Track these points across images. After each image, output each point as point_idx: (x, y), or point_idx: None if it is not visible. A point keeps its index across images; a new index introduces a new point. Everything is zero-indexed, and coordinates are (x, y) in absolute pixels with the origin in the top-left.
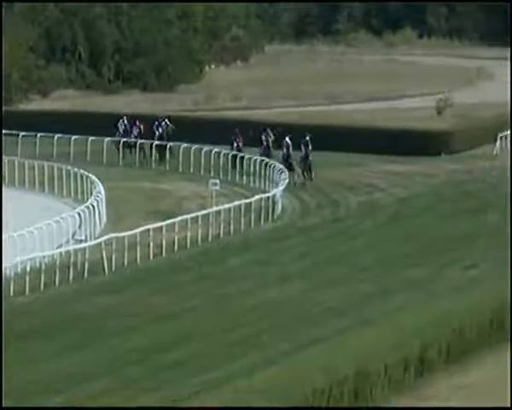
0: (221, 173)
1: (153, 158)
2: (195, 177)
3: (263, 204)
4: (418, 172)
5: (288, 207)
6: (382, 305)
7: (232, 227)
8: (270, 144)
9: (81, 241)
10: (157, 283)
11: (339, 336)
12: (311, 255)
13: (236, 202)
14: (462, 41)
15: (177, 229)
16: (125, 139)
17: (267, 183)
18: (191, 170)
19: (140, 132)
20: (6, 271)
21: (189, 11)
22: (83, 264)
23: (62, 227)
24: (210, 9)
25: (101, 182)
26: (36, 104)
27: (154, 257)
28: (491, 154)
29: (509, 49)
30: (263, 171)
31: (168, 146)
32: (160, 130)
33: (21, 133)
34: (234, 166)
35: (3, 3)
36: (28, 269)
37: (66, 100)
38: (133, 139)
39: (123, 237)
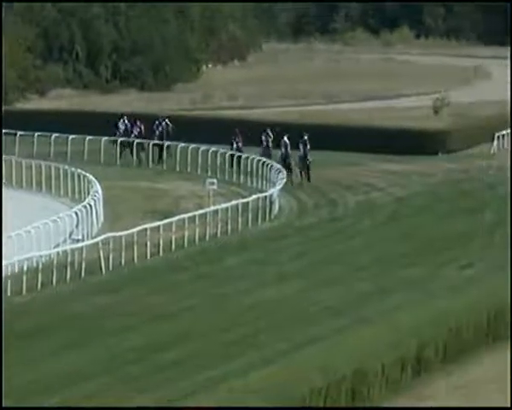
0: (218, 173)
1: (150, 157)
2: (193, 176)
3: (260, 204)
4: (415, 171)
5: (285, 206)
6: (380, 304)
7: (229, 227)
8: (270, 144)
9: (78, 240)
10: (154, 282)
11: (336, 336)
12: (308, 255)
13: (234, 202)
14: (459, 41)
15: (174, 228)
16: (124, 139)
17: (264, 182)
18: (188, 169)
19: (140, 132)
20: (3, 270)
21: (186, 10)
22: (80, 263)
23: (59, 227)
24: (207, 9)
25: (99, 181)
26: (33, 103)
27: (151, 256)
28: (488, 153)
29: (505, 48)
30: (260, 170)
31: (165, 145)
32: (160, 129)
33: (19, 132)
34: (231, 165)
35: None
36: (25, 268)
37: (63, 99)
38: (134, 139)
39: (120, 237)
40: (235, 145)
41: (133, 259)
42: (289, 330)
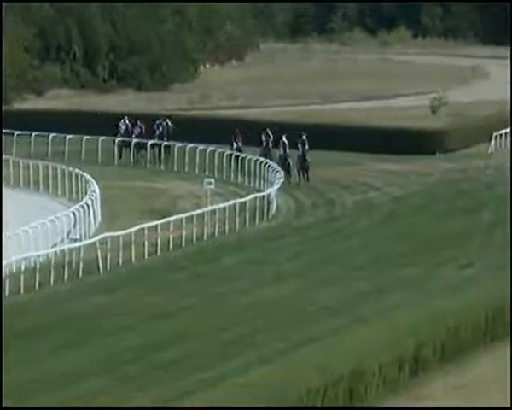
0: (216, 173)
1: (148, 157)
2: (190, 176)
3: (258, 203)
4: (413, 171)
5: (283, 206)
6: (377, 304)
7: (227, 226)
8: (270, 145)
9: (76, 240)
10: (152, 282)
11: (334, 336)
12: (306, 255)
13: (231, 202)
14: (456, 40)
15: (171, 228)
16: (125, 139)
17: (262, 182)
18: (186, 169)
19: (141, 132)
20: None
21: (183, 10)
22: (78, 263)
23: (57, 226)
24: (204, 9)
25: (96, 181)
26: (30, 103)
27: (148, 256)
28: (485, 153)
29: (503, 47)
30: (258, 170)
31: (163, 145)
32: (161, 129)
33: (16, 132)
34: (230, 165)
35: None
36: (23, 268)
37: (60, 99)
38: (134, 139)
39: (118, 236)
40: (235, 145)
41: (131, 258)
42: (287, 330)
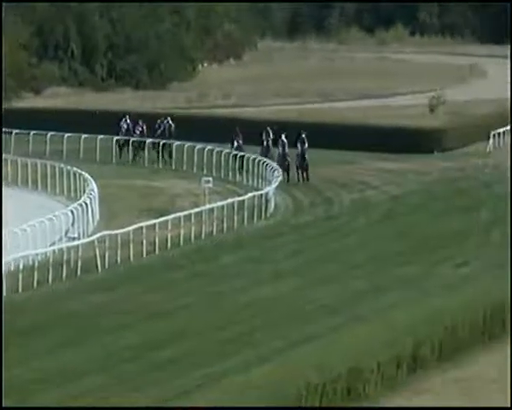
0: (214, 171)
1: (146, 156)
2: (188, 174)
3: (256, 202)
4: (411, 169)
5: (280, 204)
6: (375, 302)
7: (225, 225)
8: (271, 144)
9: (74, 239)
10: (150, 280)
11: (332, 334)
12: (303, 253)
13: (229, 200)
14: (454, 38)
15: (170, 227)
16: (126, 138)
17: (260, 180)
18: (184, 168)
19: (142, 131)
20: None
21: (182, 10)
22: (76, 262)
23: (55, 225)
24: (202, 9)
25: (94, 180)
26: (28, 102)
27: (147, 255)
28: (483, 151)
29: (501, 46)
30: (256, 168)
31: (161, 144)
32: (162, 128)
33: (14, 131)
34: (228, 163)
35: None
36: (21, 267)
37: (58, 97)
38: (136, 138)
39: (116, 235)
40: (235, 144)
41: (129, 257)
42: (285, 328)
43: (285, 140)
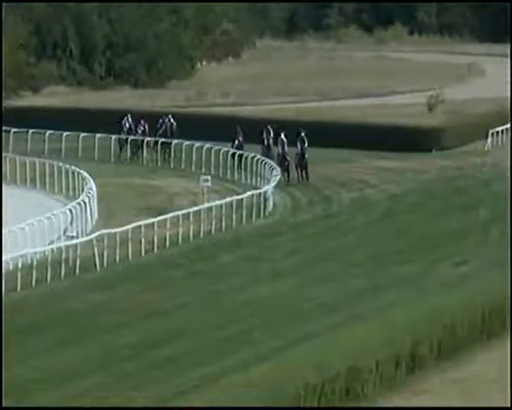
0: (212, 170)
1: (145, 155)
2: (187, 173)
3: (254, 201)
4: (409, 168)
5: (279, 203)
6: (374, 301)
7: (224, 224)
8: (271, 143)
9: (72, 237)
10: (149, 279)
11: (330, 333)
12: (302, 252)
13: (228, 199)
14: (452, 37)
15: (168, 225)
16: (127, 137)
17: (259, 179)
18: (182, 166)
19: (144, 130)
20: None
21: (180, 10)
22: (74, 260)
23: (54, 224)
24: (200, 9)
25: (93, 178)
26: (27, 100)
27: (145, 253)
28: (482, 150)
29: (499, 45)
30: (254, 167)
31: (160, 142)
32: (164, 127)
33: (13, 129)
34: (227, 162)
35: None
36: (20, 266)
37: (57, 96)
38: (138, 137)
39: (114, 234)
40: (236, 142)
41: (127, 256)
42: (283, 327)
43: (284, 139)
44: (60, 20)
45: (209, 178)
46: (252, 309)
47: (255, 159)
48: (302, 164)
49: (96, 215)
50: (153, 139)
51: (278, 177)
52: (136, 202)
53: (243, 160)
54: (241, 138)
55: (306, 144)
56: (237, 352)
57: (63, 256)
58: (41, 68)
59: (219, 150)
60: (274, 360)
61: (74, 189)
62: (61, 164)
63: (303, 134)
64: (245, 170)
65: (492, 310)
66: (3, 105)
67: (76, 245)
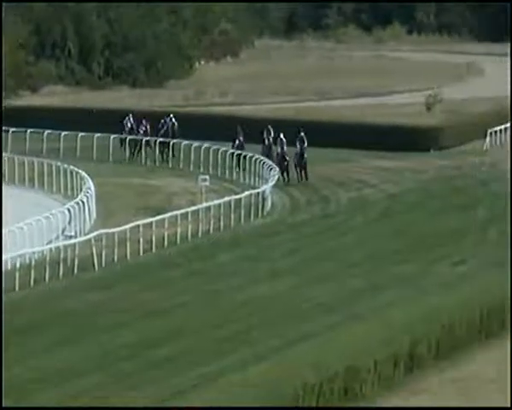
0: (211, 169)
1: (143, 154)
2: (185, 173)
3: (253, 200)
4: (408, 168)
5: (277, 203)
6: (372, 301)
7: (222, 223)
8: (272, 143)
9: (71, 237)
10: (147, 279)
11: (328, 332)
12: (300, 251)
13: (226, 198)
14: (451, 37)
15: (166, 225)
16: (129, 137)
17: (257, 179)
18: (181, 166)
19: (146, 130)
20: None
21: (179, 10)
22: (73, 260)
23: (52, 223)
24: (199, 10)
25: (91, 178)
26: (25, 100)
27: (143, 253)
28: (480, 150)
29: (498, 44)
30: (253, 167)
31: (157, 141)
32: (166, 127)
33: (11, 129)
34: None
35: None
36: (18, 265)
37: (55, 96)
38: (140, 137)
39: (113, 233)
40: (237, 142)
41: (126, 255)
42: (282, 327)
43: (284, 139)
44: (59, 19)
45: (207, 177)
46: (250, 309)
47: (253, 158)
48: (301, 164)
49: (94, 215)
50: (154, 139)
51: (276, 176)
52: (135, 201)
53: (241, 159)
54: (241, 138)
55: (306, 144)
56: (235, 351)
57: (61, 256)
58: (40, 68)
59: (218, 150)
60: (272, 360)
61: (73, 188)
62: (59, 164)
63: (302, 134)
64: (243, 170)
65: (491, 310)
66: (3, 105)
67: (74, 245)
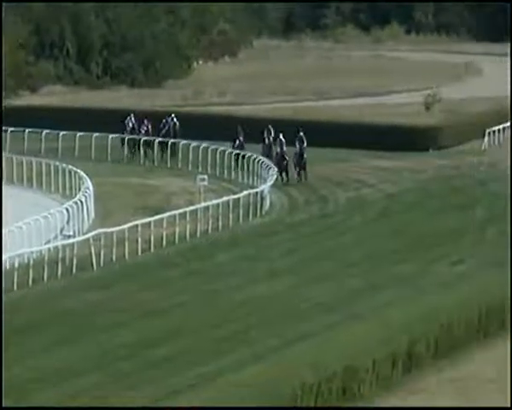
0: (209, 169)
1: (141, 154)
2: (183, 172)
3: (251, 200)
4: (406, 167)
5: (276, 202)
6: (371, 300)
7: (220, 223)
8: (272, 143)
9: (69, 236)
10: (145, 278)
11: (327, 332)
12: (299, 251)
13: (225, 198)
14: (449, 36)
15: (165, 224)
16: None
17: (255, 178)
18: (179, 166)
19: (148, 131)
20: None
21: (177, 10)
22: (71, 260)
23: (50, 223)
24: (197, 10)
25: (90, 177)
26: (24, 100)
27: (142, 253)
28: (479, 149)
29: (496, 44)
30: (251, 166)
31: (158, 142)
32: (167, 127)
33: (9, 129)
34: (228, 162)
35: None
36: (16, 265)
37: (54, 96)
38: (143, 137)
39: (111, 233)
40: (237, 142)
41: (124, 255)
42: (280, 327)
43: (283, 139)
44: (57, 20)
45: (206, 177)
46: (248, 308)
47: (252, 158)
48: (301, 164)
49: (92, 214)
50: (156, 139)
51: (275, 176)
52: (133, 201)
53: (240, 159)
54: (241, 138)
55: (305, 144)
56: (234, 351)
57: (60, 255)
58: (38, 68)
59: (216, 150)
60: (271, 360)
61: (71, 188)
62: (57, 163)
63: (301, 134)
64: (242, 169)
65: (489, 309)
66: (3, 104)
67: (73, 244)
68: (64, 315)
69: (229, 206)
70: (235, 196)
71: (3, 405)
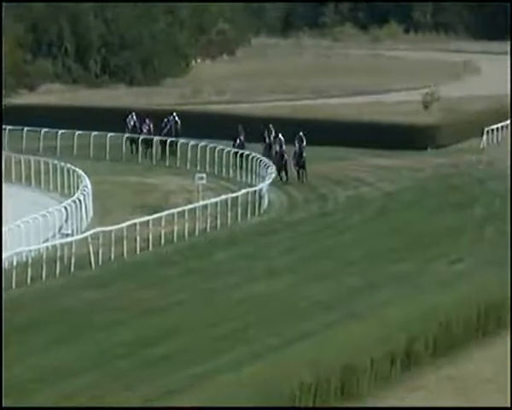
0: (207, 167)
1: (140, 152)
2: (182, 171)
3: (250, 198)
4: (404, 166)
5: (275, 201)
6: (369, 299)
7: (219, 221)
8: (272, 142)
9: (68, 235)
10: (144, 277)
11: (326, 331)
12: (298, 250)
13: (223, 197)
14: (448, 35)
15: (163, 223)
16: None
17: (254, 177)
18: (177, 164)
19: (149, 129)
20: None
21: (176, 10)
22: (69, 258)
23: (49, 221)
24: (196, 10)
25: (88, 176)
26: (23, 98)
27: (140, 251)
28: (477, 148)
29: (495, 43)
30: (250, 165)
31: (155, 140)
32: (169, 126)
33: (8, 127)
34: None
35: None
36: (15, 263)
37: (52, 94)
38: (144, 136)
39: (110, 232)
40: (238, 141)
41: (122, 253)
42: (279, 325)
43: (282, 138)
44: (56, 19)
45: (204, 175)
46: (247, 307)
47: (250, 157)
48: (300, 163)
49: (91, 213)
50: (157, 138)
51: (273, 175)
52: (132, 199)
53: (238, 157)
54: (242, 137)
55: (304, 143)
56: (232, 350)
57: (58, 254)
58: (37, 66)
59: (214, 148)
60: (269, 359)
61: (69, 186)
62: (56, 162)
63: (301, 133)
64: (240, 168)
65: (488, 308)
66: (3, 103)
67: (71, 243)
68: (62, 314)
69: (227, 204)
70: (234, 195)
71: (3, 405)
